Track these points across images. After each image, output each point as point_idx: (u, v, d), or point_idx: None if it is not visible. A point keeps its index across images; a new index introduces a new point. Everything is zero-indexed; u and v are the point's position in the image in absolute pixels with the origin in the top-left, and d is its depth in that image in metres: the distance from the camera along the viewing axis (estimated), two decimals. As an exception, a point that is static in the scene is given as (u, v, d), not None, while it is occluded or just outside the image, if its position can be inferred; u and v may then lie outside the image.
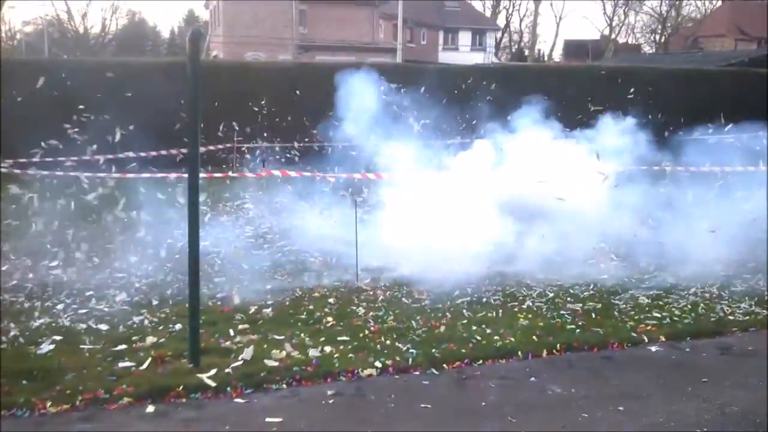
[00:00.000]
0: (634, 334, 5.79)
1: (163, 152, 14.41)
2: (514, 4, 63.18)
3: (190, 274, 5.03)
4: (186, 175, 5.21)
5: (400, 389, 4.67)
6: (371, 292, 6.97)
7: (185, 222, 5.19)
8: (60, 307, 6.43)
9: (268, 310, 6.35)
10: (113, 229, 9.75)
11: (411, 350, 5.32)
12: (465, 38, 49.75)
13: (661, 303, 6.69)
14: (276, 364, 5.01)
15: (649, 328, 5.94)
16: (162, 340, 5.56)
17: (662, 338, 5.74)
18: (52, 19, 53.61)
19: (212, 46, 41.78)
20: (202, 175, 10.19)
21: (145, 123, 12.90)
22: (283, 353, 5.21)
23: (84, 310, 6.34)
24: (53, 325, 5.92)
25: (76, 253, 8.17)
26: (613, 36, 60.20)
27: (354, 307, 6.46)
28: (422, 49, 46.28)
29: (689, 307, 6.58)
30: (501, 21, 60.96)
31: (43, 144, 9.90)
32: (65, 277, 7.43)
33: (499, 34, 58.56)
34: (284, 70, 18.96)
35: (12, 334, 5.66)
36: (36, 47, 48.20)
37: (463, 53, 45.58)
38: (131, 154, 13.48)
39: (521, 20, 64.18)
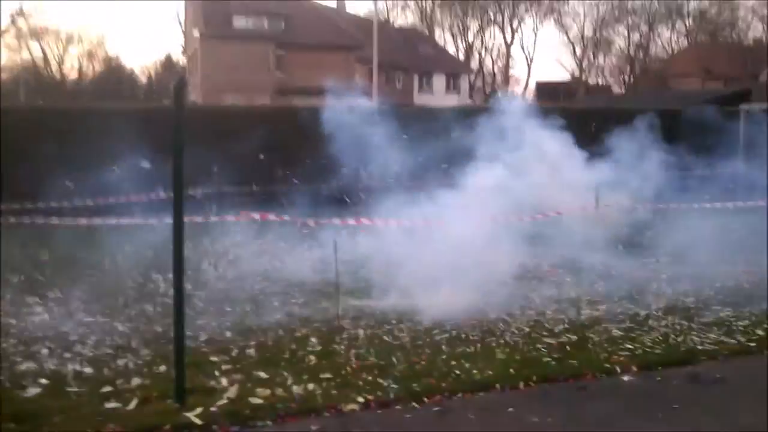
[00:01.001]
0: (608, 365, 5.99)
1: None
2: (486, 48, 64.75)
3: (175, 314, 5.17)
4: (171, 221, 5.37)
5: (383, 423, 4.82)
6: (353, 331, 7.11)
7: (167, 266, 5.35)
8: (44, 352, 6.50)
9: (252, 351, 6.47)
10: (96, 275, 9.87)
11: (392, 385, 5.47)
12: (439, 81, 50.80)
13: (633, 335, 6.91)
14: (261, 401, 5.13)
15: (621, 358, 6.16)
16: (147, 381, 5.65)
17: (634, 368, 5.95)
18: (28, 65, 53.86)
19: (190, 90, 42.19)
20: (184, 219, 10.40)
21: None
22: (268, 391, 5.33)
23: (68, 355, 6.41)
24: (38, 369, 5.98)
25: (59, 298, 8.28)
26: (583, 77, 61.88)
27: (336, 346, 6.60)
28: (398, 92, 47.12)
29: (660, 338, 6.81)
30: (474, 64, 62.40)
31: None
32: (49, 323, 7.50)
33: (472, 77, 59.84)
34: (263, 114, 19.30)
35: (-3, 378, 5.73)
36: (11, 93, 48.22)
37: (438, 96, 46.49)
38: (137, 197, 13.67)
39: (493, 63, 65.70)
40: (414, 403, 5.17)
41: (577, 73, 62.67)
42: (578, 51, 62.54)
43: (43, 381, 5.66)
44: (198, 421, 4.76)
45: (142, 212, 12.32)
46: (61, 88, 53.46)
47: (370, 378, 5.66)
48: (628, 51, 62.20)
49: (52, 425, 4.73)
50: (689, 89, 43.53)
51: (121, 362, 6.18)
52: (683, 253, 11.01)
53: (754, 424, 4.79)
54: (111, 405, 5.11)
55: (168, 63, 66.62)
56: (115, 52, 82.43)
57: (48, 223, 10.70)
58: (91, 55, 59.19)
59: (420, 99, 44.85)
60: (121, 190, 14.29)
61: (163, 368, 5.96)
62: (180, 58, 60.13)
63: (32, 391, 5.45)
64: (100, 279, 9.67)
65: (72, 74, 58.09)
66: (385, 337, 6.88)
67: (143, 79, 67.76)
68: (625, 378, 5.77)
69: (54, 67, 56.14)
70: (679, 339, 6.79)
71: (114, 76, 61.20)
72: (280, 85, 38.51)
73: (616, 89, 63.21)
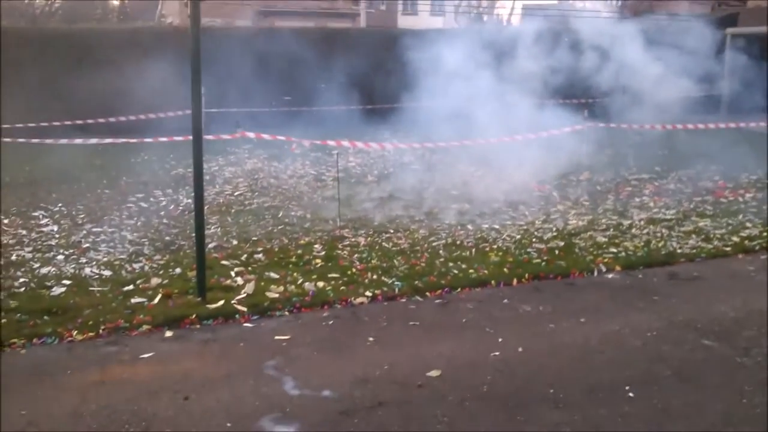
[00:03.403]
0: (593, 266, 6.46)
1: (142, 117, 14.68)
2: (471, -31, 63.26)
3: (196, 212, 5.50)
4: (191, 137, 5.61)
5: (390, 312, 5.26)
6: (353, 239, 7.49)
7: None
8: (60, 258, 6.83)
9: (260, 256, 6.84)
10: (107, 190, 10.16)
11: (396, 283, 5.90)
12: (424, 4, 49.79)
13: (616, 241, 7.37)
14: (276, 296, 5.54)
15: (606, 260, 6.62)
16: (165, 281, 6.02)
17: (618, 268, 6.42)
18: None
19: (165, 12, 41.15)
20: (178, 138, 10.61)
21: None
22: (281, 288, 5.73)
23: (84, 260, 6.75)
24: (58, 273, 6.32)
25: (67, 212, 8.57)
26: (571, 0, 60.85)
27: (339, 251, 6.99)
28: (381, 14, 46.24)
29: (642, 243, 7.28)
30: (459, -14, 61.03)
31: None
32: (62, 232, 7.82)
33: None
34: (247, 35, 19.07)
35: (22, 280, 6.06)
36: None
37: (423, 18, 45.72)
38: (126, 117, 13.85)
39: (479, -15, 64.29)
40: (417, 297, 5.61)
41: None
42: (565, -27, 61.32)
43: (66, 282, 6.01)
44: (222, 310, 5.17)
45: (132, 131, 12.52)
46: (28, 9, 51.63)
47: (374, 277, 6.08)
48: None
49: (84, 318, 5.10)
50: (676, 13, 43.22)
51: (137, 266, 6.54)
52: (663, 170, 11.51)
53: (725, 311, 5.29)
54: (136, 300, 5.49)
55: (142, -17, 64.43)
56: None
57: (42, 142, 10.79)
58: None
59: (404, 21, 44.11)
60: (109, 111, 14.41)
61: (178, 270, 6.34)
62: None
63: (58, 290, 5.80)
64: (101, 194, 9.94)
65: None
66: (385, 244, 7.28)
67: (115, 2, 65.51)
68: (609, 276, 6.24)
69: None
70: (660, 244, 7.26)
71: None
72: (262, 7, 37.63)
73: (605, 13, 62.32)
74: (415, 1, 46.48)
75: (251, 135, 10.87)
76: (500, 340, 4.69)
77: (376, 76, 15.62)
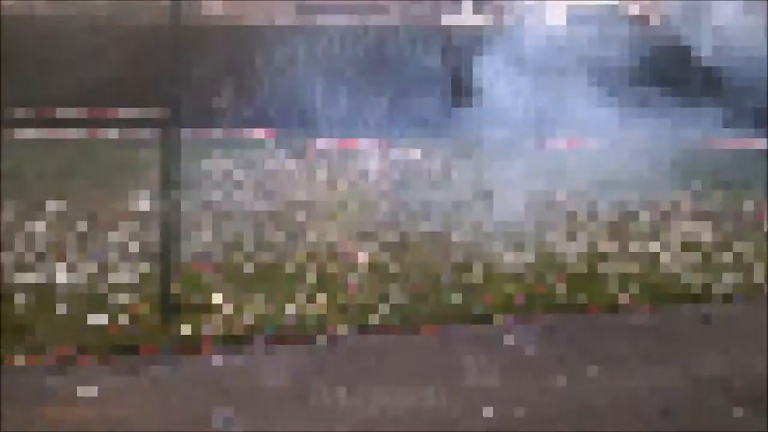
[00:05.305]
0: (617, 301, 5.82)
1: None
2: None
3: (162, 226, 4.99)
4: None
5: (374, 349, 4.68)
6: (354, 256, 6.90)
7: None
8: (40, 264, 6.39)
9: (249, 270, 6.32)
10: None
11: (389, 313, 5.33)
12: (466, 1, 49.12)
13: (646, 271, 6.62)
14: (252, 323, 5.02)
15: (632, 293, 5.93)
16: (139, 295, 5.52)
17: (645, 304, 5.76)
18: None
19: (204, 6, 41.25)
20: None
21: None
22: (262, 311, 5.22)
23: (64, 266, 6.30)
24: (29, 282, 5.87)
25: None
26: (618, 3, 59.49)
27: (335, 271, 6.42)
28: (423, 10, 45.71)
29: (675, 273, 6.53)
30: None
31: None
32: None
33: (502, -1, 57.81)
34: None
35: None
36: None
37: (465, 15, 45.05)
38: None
39: (525, -16, 63.33)
40: (410, 332, 5.01)
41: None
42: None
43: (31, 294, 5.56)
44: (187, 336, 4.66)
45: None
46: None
47: (367, 304, 5.51)
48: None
49: (34, 339, 4.63)
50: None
51: (116, 276, 6.06)
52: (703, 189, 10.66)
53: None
54: (97, 320, 4.99)
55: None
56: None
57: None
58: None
59: (447, 18, 43.53)
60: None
61: (154, 288, 5.81)
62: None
63: (18, 303, 5.34)
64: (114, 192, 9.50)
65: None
66: (390, 263, 6.67)
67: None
68: (634, 314, 5.61)
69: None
70: (694, 277, 6.46)
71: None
72: (301, 2, 37.41)
73: (654, 21, 60.78)
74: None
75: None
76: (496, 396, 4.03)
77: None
